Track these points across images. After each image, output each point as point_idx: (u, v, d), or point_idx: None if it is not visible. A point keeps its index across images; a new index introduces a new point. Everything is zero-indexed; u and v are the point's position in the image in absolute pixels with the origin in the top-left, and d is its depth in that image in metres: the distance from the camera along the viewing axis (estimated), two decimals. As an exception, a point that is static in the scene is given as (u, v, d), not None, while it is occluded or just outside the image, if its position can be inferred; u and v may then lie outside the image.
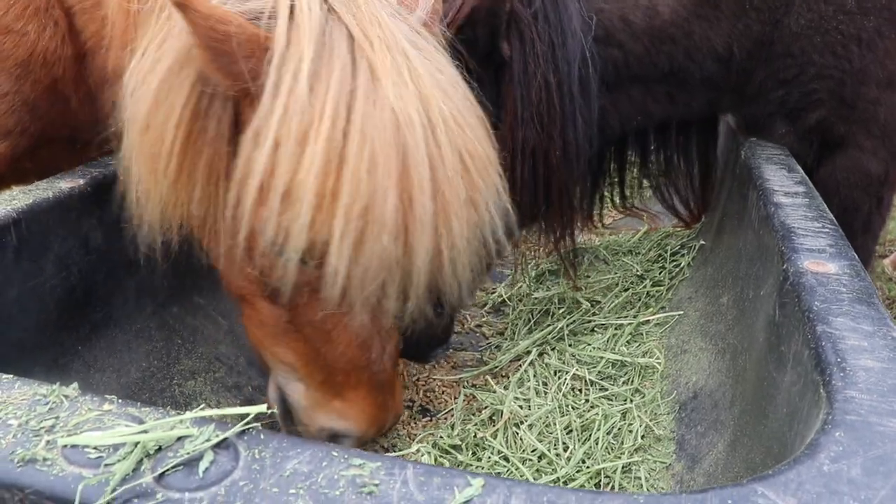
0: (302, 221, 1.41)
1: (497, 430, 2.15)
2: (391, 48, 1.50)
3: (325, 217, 1.42)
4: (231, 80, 1.48)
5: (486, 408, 2.30)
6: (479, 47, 2.12)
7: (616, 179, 2.98)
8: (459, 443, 2.12)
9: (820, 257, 1.66)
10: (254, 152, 1.45)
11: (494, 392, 2.38)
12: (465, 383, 2.52)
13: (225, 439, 1.06)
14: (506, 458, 2.06)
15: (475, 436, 2.15)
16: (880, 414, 1.12)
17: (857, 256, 1.70)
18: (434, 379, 2.58)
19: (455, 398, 2.45)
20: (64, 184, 2.03)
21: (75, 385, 1.18)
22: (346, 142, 1.41)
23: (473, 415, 2.28)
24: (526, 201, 2.29)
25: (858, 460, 1.02)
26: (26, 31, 2.10)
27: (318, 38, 1.45)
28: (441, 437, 2.15)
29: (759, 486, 0.98)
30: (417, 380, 2.58)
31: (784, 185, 2.14)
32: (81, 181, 2.07)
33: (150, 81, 1.55)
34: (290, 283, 1.61)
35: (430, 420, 2.37)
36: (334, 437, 1.87)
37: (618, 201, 3.04)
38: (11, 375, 1.22)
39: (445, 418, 2.35)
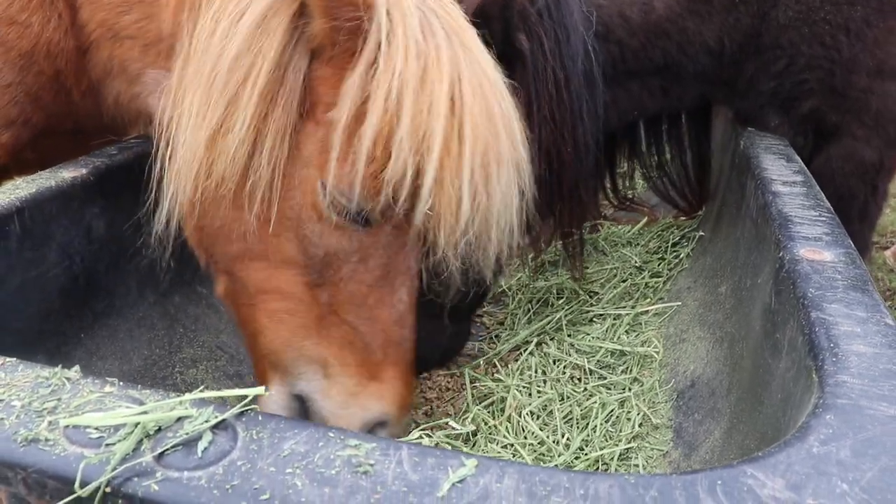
0: (434, 158, 1.48)
1: (505, 418, 2.17)
2: (466, 25, 1.65)
3: (454, 157, 1.50)
4: (332, 22, 1.53)
5: (488, 396, 2.32)
6: (494, 44, 2.09)
7: (608, 172, 2.99)
8: (464, 431, 2.13)
9: (816, 245, 1.67)
10: (370, 93, 1.51)
11: (496, 381, 2.39)
12: (467, 372, 2.53)
13: (223, 420, 1.07)
14: (505, 446, 2.08)
15: (485, 423, 2.16)
16: (871, 398, 1.13)
17: (853, 244, 1.70)
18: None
19: (456, 387, 2.46)
20: (67, 173, 2.05)
21: (77, 368, 1.20)
22: (461, 86, 1.51)
23: (476, 403, 2.29)
24: (542, 199, 2.29)
25: (848, 442, 1.03)
26: (30, 22, 2.12)
27: (417, 6, 1.55)
28: (447, 423, 2.16)
29: (748, 467, 0.99)
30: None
31: (782, 174, 2.15)
32: (84, 171, 2.08)
33: (241, 27, 1.55)
34: (362, 243, 1.68)
35: (431, 408, 2.39)
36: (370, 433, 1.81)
37: (610, 194, 3.04)
38: (15, 359, 1.24)
39: (448, 406, 2.37)
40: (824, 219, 1.83)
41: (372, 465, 0.99)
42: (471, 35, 1.64)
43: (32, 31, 2.13)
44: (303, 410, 1.87)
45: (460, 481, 0.96)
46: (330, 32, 1.55)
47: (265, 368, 1.86)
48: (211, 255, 1.85)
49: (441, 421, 2.19)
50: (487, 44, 1.97)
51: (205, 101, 1.59)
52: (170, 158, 1.68)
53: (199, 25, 1.63)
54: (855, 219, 2.59)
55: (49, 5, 2.12)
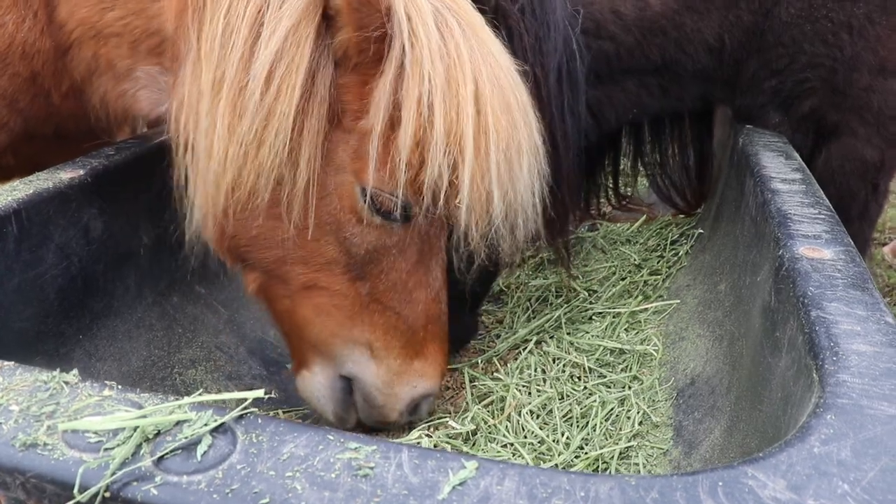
0: (468, 159, 1.53)
1: (504, 417, 2.17)
2: (475, 14, 1.68)
3: (483, 155, 1.55)
4: (362, 33, 1.55)
5: (487, 395, 2.31)
6: None
7: (609, 171, 2.99)
8: (464, 430, 2.13)
9: (815, 243, 1.67)
10: (401, 101, 1.54)
11: (495, 380, 2.39)
12: (466, 371, 2.53)
13: (222, 424, 1.07)
14: (505, 445, 2.08)
15: (484, 422, 2.16)
16: (871, 397, 1.12)
17: (852, 242, 1.70)
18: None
19: (455, 386, 2.46)
20: (64, 174, 2.04)
21: (75, 372, 1.20)
22: (483, 83, 1.56)
23: (475, 402, 2.29)
24: None
25: (848, 443, 1.03)
26: (3, 22, 2.07)
27: (430, 2, 1.57)
28: (447, 423, 2.16)
29: (749, 468, 0.99)
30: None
31: (781, 171, 2.15)
32: (82, 171, 2.08)
33: (272, 36, 1.55)
34: (403, 237, 1.76)
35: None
36: (414, 409, 1.97)
37: (611, 194, 3.05)
38: (13, 363, 1.24)
39: (448, 405, 2.37)
40: (823, 216, 1.83)
41: (372, 469, 0.99)
42: (481, 25, 1.67)
43: (6, 31, 2.07)
44: (347, 389, 1.98)
45: (461, 484, 0.96)
46: (358, 41, 1.57)
47: (308, 354, 1.96)
48: (244, 260, 1.88)
49: (441, 420, 2.19)
50: None
51: (232, 113, 1.59)
52: (191, 166, 1.69)
53: (206, 28, 1.62)
54: (855, 217, 2.59)
55: (23, 4, 2.07)
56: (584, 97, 2.36)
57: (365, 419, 2.02)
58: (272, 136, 1.58)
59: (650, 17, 2.40)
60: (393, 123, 1.57)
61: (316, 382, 1.97)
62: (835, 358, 1.23)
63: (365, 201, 1.68)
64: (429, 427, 2.15)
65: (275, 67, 1.55)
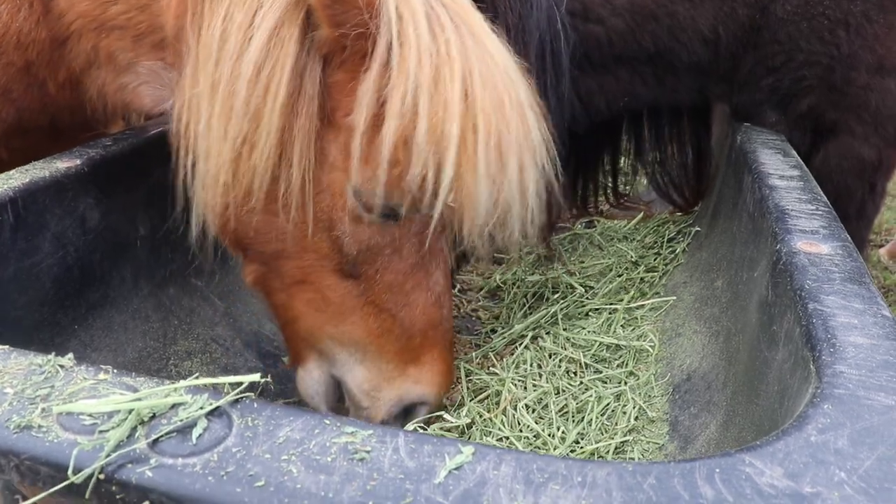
0: (451, 157, 1.51)
1: (500, 411, 2.17)
2: (472, 10, 1.65)
3: (470, 153, 1.53)
4: (338, 30, 1.54)
5: (483, 390, 2.31)
6: None
7: (609, 170, 2.99)
8: (459, 423, 2.13)
9: (813, 238, 1.67)
10: (386, 98, 1.53)
11: (491, 375, 2.39)
12: (462, 365, 2.53)
13: (218, 407, 1.07)
14: (501, 439, 2.08)
15: (480, 416, 2.16)
16: (868, 388, 1.13)
17: (849, 238, 1.71)
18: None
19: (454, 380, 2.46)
20: (61, 163, 2.03)
21: (70, 355, 1.19)
22: (472, 81, 1.53)
23: (471, 396, 2.29)
24: None
25: (845, 432, 1.03)
26: None
27: (425, 2, 1.56)
28: (442, 416, 2.16)
29: (747, 455, 0.99)
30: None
31: (779, 168, 2.15)
32: (79, 161, 2.07)
33: (253, 41, 1.55)
34: (389, 238, 1.73)
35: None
36: (406, 415, 1.91)
37: (610, 192, 3.05)
38: (7, 346, 1.23)
39: (444, 399, 2.36)
40: (821, 212, 1.83)
41: (368, 452, 0.99)
42: (478, 20, 1.64)
43: (0, 20, 2.07)
44: (339, 389, 1.96)
45: (457, 468, 0.96)
46: (337, 38, 1.56)
47: (302, 349, 1.94)
48: (245, 252, 1.89)
49: (436, 413, 2.18)
50: None
51: (225, 115, 1.59)
52: (192, 167, 1.70)
53: (205, 32, 1.62)
54: (852, 217, 2.59)
55: None
56: (569, 78, 2.34)
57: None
58: (263, 137, 1.58)
59: (640, 1, 2.39)
60: (377, 121, 1.56)
61: (310, 379, 1.97)
62: (832, 349, 1.23)
63: (354, 198, 1.68)
64: (425, 421, 2.14)
65: (260, 68, 1.55)
